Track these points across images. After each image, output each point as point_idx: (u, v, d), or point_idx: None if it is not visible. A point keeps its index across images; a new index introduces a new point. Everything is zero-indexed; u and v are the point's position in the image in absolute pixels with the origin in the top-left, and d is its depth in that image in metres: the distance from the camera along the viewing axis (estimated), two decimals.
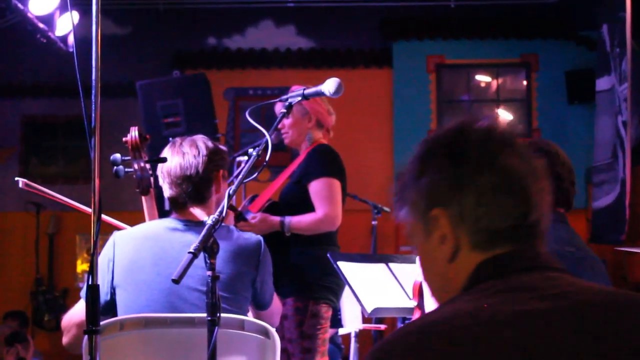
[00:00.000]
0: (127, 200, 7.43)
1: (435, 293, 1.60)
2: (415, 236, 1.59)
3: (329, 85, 3.11)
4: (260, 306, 3.31)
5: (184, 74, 8.61)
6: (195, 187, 3.22)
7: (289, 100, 3.10)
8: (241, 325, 2.94)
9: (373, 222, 6.94)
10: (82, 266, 9.84)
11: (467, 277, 1.49)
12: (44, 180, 10.08)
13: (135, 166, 3.27)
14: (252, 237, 3.31)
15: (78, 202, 3.77)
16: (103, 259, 3.16)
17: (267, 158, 2.85)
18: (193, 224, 3.11)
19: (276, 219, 4.54)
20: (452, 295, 1.50)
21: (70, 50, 7.08)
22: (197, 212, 3.22)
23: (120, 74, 9.00)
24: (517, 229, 1.49)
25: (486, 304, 1.37)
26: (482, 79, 10.20)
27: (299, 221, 4.54)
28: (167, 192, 3.25)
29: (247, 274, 3.18)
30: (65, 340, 3.22)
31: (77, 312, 3.12)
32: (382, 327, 6.42)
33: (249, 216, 4.53)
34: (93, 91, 2.47)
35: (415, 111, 9.87)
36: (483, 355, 1.30)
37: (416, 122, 9.82)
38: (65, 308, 9.63)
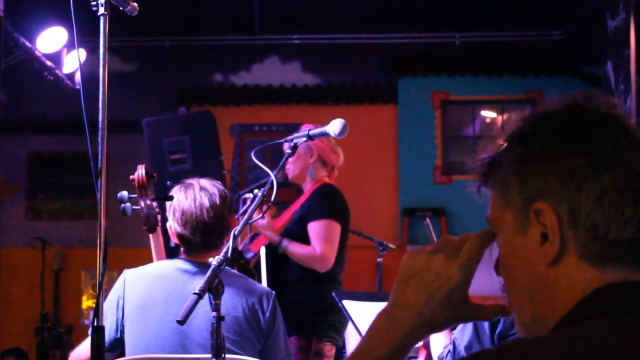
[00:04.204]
0: (133, 236, 7.44)
1: (520, 297, 1.35)
2: (503, 224, 1.34)
3: (334, 126, 3.12)
4: None
5: (190, 111, 8.66)
6: (213, 234, 3.25)
7: (294, 140, 3.12)
8: None
9: (378, 260, 6.93)
10: (87, 302, 9.82)
11: (579, 295, 1.25)
12: (50, 216, 10.12)
13: (142, 204, 3.30)
14: (264, 286, 3.33)
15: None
16: (113, 296, 3.18)
17: (272, 198, 2.86)
18: (204, 267, 3.12)
19: (276, 236, 4.57)
20: (547, 305, 1.29)
21: (77, 87, 7.12)
22: (209, 256, 3.23)
23: (126, 110, 9.05)
24: (637, 243, 1.24)
25: None
26: (488, 114, 10.21)
27: (295, 249, 4.58)
28: (178, 229, 3.25)
29: (254, 317, 3.18)
30: None
31: (83, 350, 3.13)
32: None
33: (249, 255, 4.55)
34: (100, 132, 2.49)
35: (420, 147, 9.88)
36: None
37: (421, 158, 9.84)
38: (70, 344, 9.62)
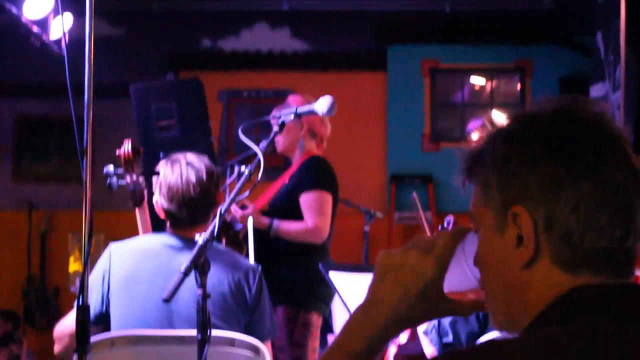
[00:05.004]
0: (118, 200, 7.41)
1: (495, 294, 1.37)
2: (482, 221, 1.36)
3: (322, 105, 3.12)
4: (259, 338, 3.19)
5: (177, 78, 8.61)
6: (199, 209, 3.25)
7: (282, 118, 3.11)
8: (232, 342, 2.95)
9: (365, 228, 6.94)
10: (74, 265, 9.82)
11: (549, 298, 1.27)
12: (37, 179, 10.09)
13: (128, 179, 3.29)
14: (249, 262, 3.33)
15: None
16: (98, 270, 3.18)
17: (259, 177, 2.86)
18: (190, 242, 3.11)
19: (265, 218, 4.56)
20: (519, 306, 1.31)
21: (63, 53, 7.07)
22: (196, 231, 3.23)
23: (114, 74, 8.99)
24: (610, 252, 1.26)
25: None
26: (477, 81, 10.19)
27: (287, 227, 4.57)
28: (164, 204, 3.25)
29: (240, 293, 3.19)
30: (57, 349, 3.23)
31: (69, 322, 3.12)
32: None
33: (239, 227, 4.55)
34: (85, 117, 2.48)
35: (409, 114, 9.87)
36: None
37: (410, 125, 9.83)
38: (57, 307, 9.65)
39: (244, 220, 4.51)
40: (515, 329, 1.33)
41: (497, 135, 1.33)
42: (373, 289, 1.42)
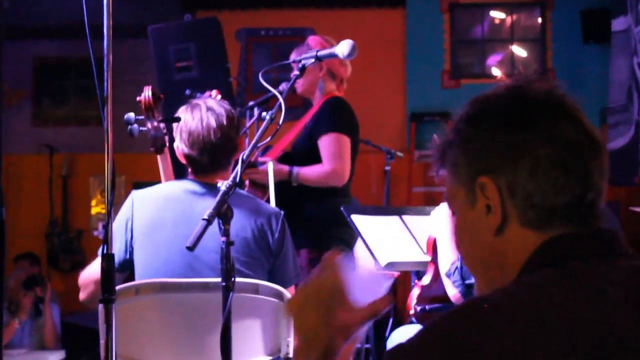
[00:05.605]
0: (139, 142, 7.41)
1: (477, 269, 1.49)
2: (456, 201, 1.48)
3: (343, 48, 3.09)
4: (282, 283, 3.19)
5: (195, 18, 8.53)
6: (220, 154, 3.25)
7: (302, 62, 3.09)
8: (255, 289, 2.96)
9: (386, 168, 6.91)
10: (96, 208, 9.88)
11: (525, 257, 1.37)
12: (57, 122, 10.11)
13: (149, 125, 3.27)
14: (273, 207, 3.32)
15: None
16: (121, 217, 3.19)
17: (280, 122, 2.84)
18: (212, 187, 3.10)
19: (285, 167, 4.55)
20: (498, 271, 1.42)
21: None
22: (217, 176, 3.22)
23: (130, 14, 8.93)
24: (573, 208, 1.38)
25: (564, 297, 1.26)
26: (497, 15, 10.06)
27: (307, 173, 4.55)
28: (185, 150, 3.25)
29: (263, 238, 3.19)
30: (82, 296, 3.25)
31: (94, 270, 3.13)
32: (396, 273, 6.43)
33: (262, 168, 4.53)
34: (105, 64, 2.46)
35: (428, 51, 9.78)
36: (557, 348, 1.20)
37: (429, 62, 9.75)
38: (80, 249, 9.72)
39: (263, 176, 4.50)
40: None
41: (460, 120, 1.48)
42: (296, 324, 1.55)
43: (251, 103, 4.84)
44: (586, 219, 1.39)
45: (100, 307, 2.52)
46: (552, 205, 1.37)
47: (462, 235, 1.49)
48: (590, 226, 1.38)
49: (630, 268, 1.33)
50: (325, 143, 4.56)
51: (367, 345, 5.81)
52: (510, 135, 1.39)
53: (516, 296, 1.28)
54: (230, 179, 2.67)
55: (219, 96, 3.65)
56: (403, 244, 4.15)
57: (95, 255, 3.08)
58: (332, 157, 4.54)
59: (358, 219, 4.18)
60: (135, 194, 3.24)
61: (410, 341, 1.29)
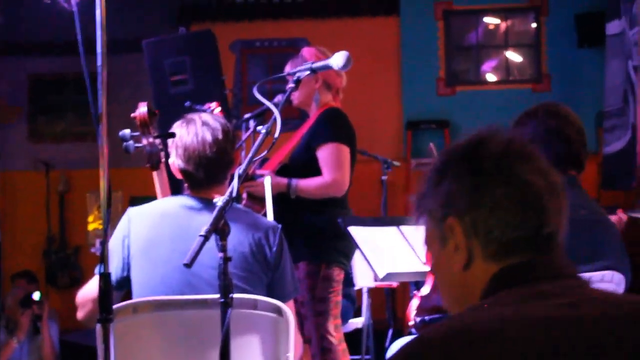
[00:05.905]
0: (135, 156, 7.39)
1: (451, 303, 1.63)
2: (432, 244, 1.62)
3: (337, 59, 3.08)
4: (280, 297, 3.17)
5: (189, 31, 8.53)
6: (216, 169, 3.23)
7: (297, 74, 3.08)
8: (254, 305, 2.94)
9: (383, 177, 6.89)
10: (93, 224, 9.86)
11: (483, 287, 1.51)
12: (53, 139, 10.08)
13: (145, 141, 3.26)
14: (271, 220, 3.31)
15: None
16: (118, 235, 3.17)
17: (276, 135, 2.82)
18: (209, 202, 3.08)
19: (283, 180, 4.54)
20: (466, 303, 1.52)
21: (73, 9, 7.01)
22: (213, 191, 3.21)
23: (124, 29, 8.92)
24: (530, 240, 1.51)
25: (508, 311, 1.36)
26: (491, 21, 10.05)
27: (306, 185, 4.54)
28: (181, 165, 3.23)
29: (261, 252, 3.17)
30: (80, 315, 3.23)
31: (92, 288, 3.11)
32: (394, 284, 6.42)
33: (260, 180, 4.52)
34: (99, 81, 2.44)
35: (423, 58, 9.77)
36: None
37: (424, 70, 9.74)
38: (77, 266, 9.70)
39: (261, 188, 4.48)
40: None
41: (431, 170, 1.62)
42: None
43: (247, 115, 4.83)
44: (543, 250, 1.51)
45: (98, 326, 2.50)
46: (510, 239, 1.50)
47: (438, 272, 1.63)
48: (548, 253, 1.51)
49: (578, 286, 1.47)
50: (325, 153, 4.55)
51: (368, 357, 5.79)
52: (474, 177, 1.53)
53: (468, 315, 1.41)
54: (227, 193, 2.66)
55: (219, 108, 3.64)
56: (402, 254, 4.14)
57: (93, 273, 3.07)
58: (333, 167, 4.53)
59: (355, 231, 4.16)
60: (132, 211, 3.22)
61: None
